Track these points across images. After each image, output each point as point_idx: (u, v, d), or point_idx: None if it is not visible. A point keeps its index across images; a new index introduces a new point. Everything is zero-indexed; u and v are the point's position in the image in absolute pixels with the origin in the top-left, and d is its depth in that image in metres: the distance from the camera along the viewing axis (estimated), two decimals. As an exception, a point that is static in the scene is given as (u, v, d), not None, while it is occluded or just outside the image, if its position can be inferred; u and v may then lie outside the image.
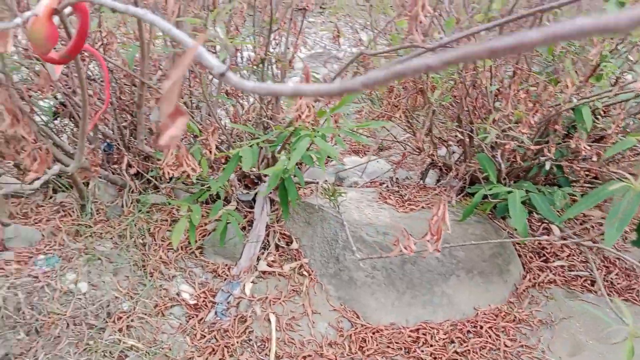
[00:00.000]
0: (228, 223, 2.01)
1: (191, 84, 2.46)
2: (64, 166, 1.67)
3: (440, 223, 1.20)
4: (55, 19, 0.90)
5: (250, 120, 2.40)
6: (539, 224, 2.53)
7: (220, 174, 2.04)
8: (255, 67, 2.05)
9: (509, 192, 1.97)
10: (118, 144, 2.36)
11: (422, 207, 2.33)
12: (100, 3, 0.63)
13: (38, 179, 1.42)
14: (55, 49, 0.84)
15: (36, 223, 2.14)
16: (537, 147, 1.91)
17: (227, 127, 2.31)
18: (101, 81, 2.43)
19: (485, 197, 2.09)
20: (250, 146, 1.86)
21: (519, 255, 2.30)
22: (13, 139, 1.39)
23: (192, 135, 2.37)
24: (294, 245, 2.14)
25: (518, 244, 2.32)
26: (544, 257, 2.34)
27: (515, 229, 2.33)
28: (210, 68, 0.39)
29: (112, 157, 2.45)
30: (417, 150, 2.44)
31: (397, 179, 2.64)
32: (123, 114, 2.40)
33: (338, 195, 2.01)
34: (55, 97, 2.37)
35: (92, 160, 2.08)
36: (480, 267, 2.05)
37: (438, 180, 2.69)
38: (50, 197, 2.37)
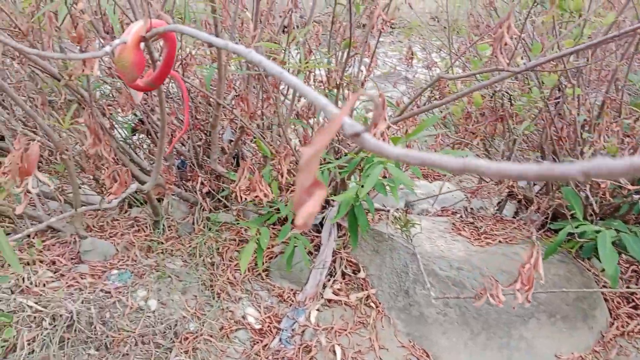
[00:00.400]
0: (295, 247, 1.98)
1: (264, 105, 2.47)
2: (140, 184, 1.70)
3: (532, 271, 1.10)
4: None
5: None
6: (627, 265, 2.32)
7: (290, 198, 2.01)
8: (328, 90, 2.02)
9: (598, 232, 1.81)
10: (192, 162, 2.40)
11: (499, 242, 2.20)
12: (190, 34, 0.60)
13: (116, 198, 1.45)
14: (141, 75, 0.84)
15: (111, 237, 2.20)
16: (636, 187, 1.73)
17: (298, 150, 2.29)
18: (178, 99, 2.49)
19: (569, 234, 1.93)
20: (321, 171, 1.82)
21: (606, 300, 2.11)
22: (94, 156, 1.43)
23: (262, 156, 2.36)
24: (361, 274, 2.07)
25: (605, 286, 2.13)
26: (634, 303, 2.13)
27: (602, 270, 2.14)
28: (343, 128, 0.34)
29: (185, 174, 2.50)
30: (498, 182, 2.31)
31: (471, 209, 2.52)
32: (198, 132, 2.44)
33: (410, 226, 1.93)
34: (135, 114, 2.46)
35: (166, 178, 2.12)
36: (563, 311, 1.89)
37: (516, 213, 2.54)
38: (126, 212, 2.44)
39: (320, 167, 1.84)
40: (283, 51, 1.89)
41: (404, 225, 1.90)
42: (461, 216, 2.45)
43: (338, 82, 1.71)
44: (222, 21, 2.01)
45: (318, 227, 2.27)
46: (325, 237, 2.14)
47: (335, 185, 2.25)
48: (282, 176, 1.66)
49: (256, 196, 1.46)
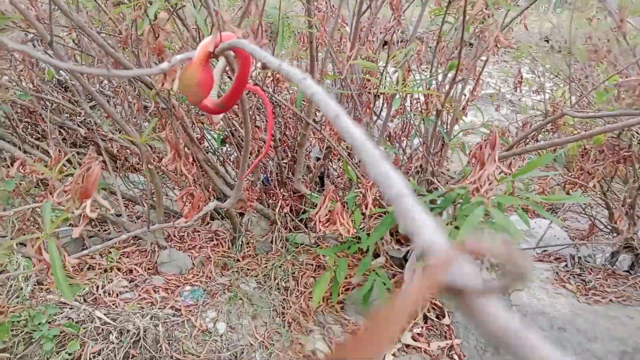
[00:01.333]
0: (374, 283, 1.81)
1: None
2: (222, 201, 1.63)
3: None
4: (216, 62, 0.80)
5: (411, 172, 2.19)
6: None
7: (373, 229, 1.85)
8: (425, 117, 1.85)
9: None
10: (276, 178, 2.32)
11: (610, 301, 1.89)
12: (248, 50, 0.48)
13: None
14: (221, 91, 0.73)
15: (190, 249, 2.17)
16: None
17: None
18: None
19: None
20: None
21: None
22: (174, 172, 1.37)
23: (347, 179, 2.23)
24: (446, 321, 1.86)
25: None
26: None
27: None
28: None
29: (268, 190, 2.43)
30: (612, 229, 2.00)
31: (579, 257, 2.21)
32: (285, 149, 2.36)
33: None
34: (228, 125, 2.43)
35: (249, 195, 2.05)
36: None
37: (632, 267, 2.19)
38: (207, 224, 2.41)
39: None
40: (380, 71, 1.75)
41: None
42: (567, 265, 2.16)
43: (439, 109, 1.53)
44: (319, 36, 1.91)
45: (401, 262, 2.09)
46: (409, 276, 1.95)
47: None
48: (366, 207, 1.51)
49: (336, 230, 1.32)
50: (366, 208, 1.54)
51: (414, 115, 2.01)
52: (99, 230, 2.16)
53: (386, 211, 1.64)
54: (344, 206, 1.37)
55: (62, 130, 2.73)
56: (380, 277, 1.86)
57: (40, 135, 2.50)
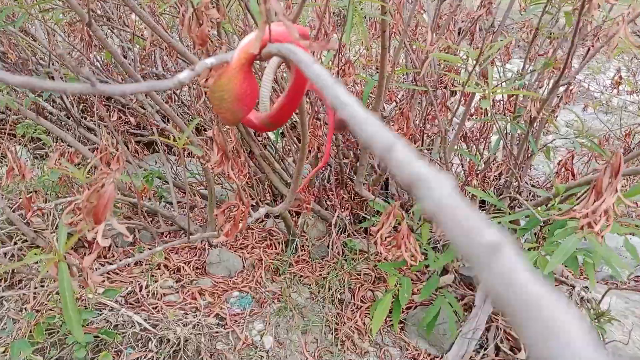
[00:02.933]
0: (440, 307, 1.61)
1: (426, 125, 2.12)
2: (271, 207, 1.47)
3: None
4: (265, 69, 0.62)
5: (489, 180, 1.94)
6: None
7: (443, 245, 1.64)
8: (513, 122, 1.59)
9: None
10: (337, 179, 2.14)
11: None
12: (288, 55, 0.30)
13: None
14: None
15: (241, 249, 2.03)
16: None
17: (465, 184, 1.89)
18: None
19: None
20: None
21: None
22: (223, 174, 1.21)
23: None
24: (521, 356, 1.63)
25: None
26: None
27: None
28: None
29: (327, 191, 2.25)
30: None
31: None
32: (347, 147, 2.17)
33: (605, 322, 1.42)
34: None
35: (305, 195, 1.89)
36: None
37: None
38: (262, 221, 2.27)
39: (492, 217, 1.44)
40: (463, 66, 1.52)
41: (598, 316, 1.41)
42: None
43: (534, 115, 1.29)
44: (393, 24, 1.69)
45: (472, 280, 1.86)
46: (480, 299, 1.73)
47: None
48: (439, 225, 1.30)
49: (400, 256, 1.13)
50: (438, 227, 1.33)
51: (498, 117, 1.76)
52: (150, 222, 2.07)
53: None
54: (410, 232, 1.17)
55: (122, 115, 2.67)
56: (447, 297, 1.65)
57: (98, 119, 2.44)
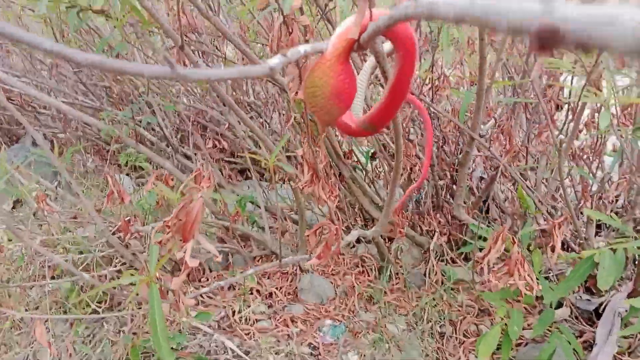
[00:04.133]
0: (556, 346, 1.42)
1: (530, 142, 1.95)
2: (363, 230, 1.39)
3: None
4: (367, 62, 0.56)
5: (606, 203, 1.73)
6: None
7: (559, 274, 1.47)
8: (635, 133, 1.40)
9: None
10: (432, 201, 2.02)
11: None
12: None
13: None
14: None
15: (333, 275, 1.97)
16: None
17: (581, 214, 1.70)
18: (423, 128, 2.15)
19: None
20: (613, 250, 1.24)
21: None
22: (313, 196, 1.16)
23: (523, 209, 1.84)
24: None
25: None
26: None
27: None
28: None
29: (422, 214, 2.13)
30: None
31: None
32: (443, 168, 2.05)
33: None
34: (377, 139, 2.19)
35: (399, 219, 1.79)
36: None
37: None
38: (353, 247, 2.20)
39: (614, 243, 1.26)
40: (572, 72, 1.37)
41: None
42: None
43: None
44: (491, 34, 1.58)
45: (591, 315, 1.65)
46: (603, 335, 1.52)
47: (632, 270, 1.60)
48: (552, 250, 1.15)
49: (512, 284, 1.00)
50: (552, 252, 1.18)
51: (617, 130, 1.57)
52: (243, 246, 2.07)
53: (579, 257, 1.26)
54: (523, 257, 1.04)
55: (216, 142, 2.74)
56: (564, 334, 1.46)
57: (194, 147, 2.52)
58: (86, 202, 1.55)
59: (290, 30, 0.75)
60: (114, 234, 1.53)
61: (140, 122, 1.91)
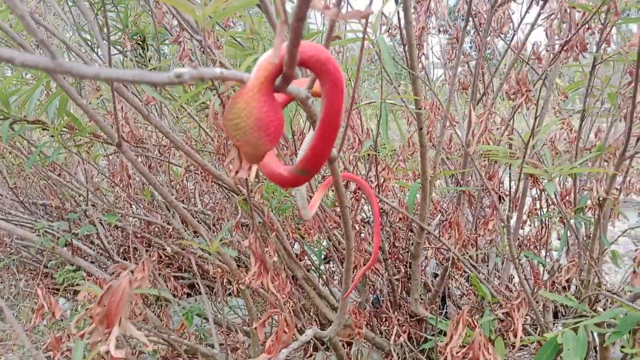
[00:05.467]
0: None
1: (478, 231, 1.97)
2: (319, 330, 1.31)
3: None
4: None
5: (562, 285, 1.73)
6: None
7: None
8: (576, 215, 1.44)
9: None
10: (388, 299, 1.96)
11: None
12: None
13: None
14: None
15: (289, 388, 1.81)
16: None
17: (533, 296, 1.68)
18: (373, 224, 2.14)
19: None
20: (574, 329, 1.20)
21: None
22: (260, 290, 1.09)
23: (479, 298, 1.80)
24: None
25: None
26: None
27: None
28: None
29: (380, 314, 2.05)
30: None
31: None
32: (396, 263, 2.02)
33: None
34: (329, 238, 2.16)
35: (356, 319, 1.71)
36: None
37: None
38: (310, 355, 2.06)
39: (574, 322, 1.22)
40: (512, 157, 1.42)
41: None
42: None
43: (604, 197, 1.15)
44: (429, 128, 1.65)
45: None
46: None
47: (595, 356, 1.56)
48: (515, 335, 1.10)
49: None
50: (515, 336, 1.13)
51: (557, 212, 1.61)
52: (189, 365, 1.89)
53: (543, 339, 1.21)
54: (486, 338, 0.98)
55: (162, 256, 2.63)
56: None
57: (136, 260, 2.40)
58: (15, 324, 1.40)
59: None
60: (45, 352, 1.37)
61: (77, 234, 1.81)
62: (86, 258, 2.11)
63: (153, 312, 1.90)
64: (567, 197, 2.07)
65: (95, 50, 1.88)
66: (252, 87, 0.37)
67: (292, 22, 0.29)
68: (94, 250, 2.12)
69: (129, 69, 0.26)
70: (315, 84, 0.44)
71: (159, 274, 2.40)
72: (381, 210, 1.87)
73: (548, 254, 2.12)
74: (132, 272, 0.55)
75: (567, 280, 1.90)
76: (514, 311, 1.14)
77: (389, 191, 1.78)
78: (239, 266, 2.39)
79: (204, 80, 0.32)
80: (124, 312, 0.53)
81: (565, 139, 2.07)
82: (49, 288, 2.68)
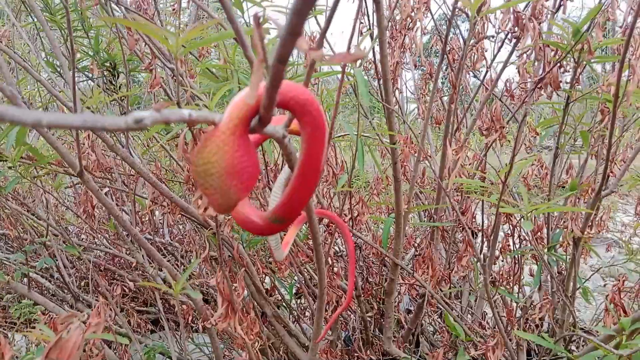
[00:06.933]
0: None
1: (452, 268, 1.94)
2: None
3: None
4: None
5: (535, 323, 1.71)
6: None
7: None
8: (549, 251, 1.43)
9: None
10: (360, 337, 1.90)
11: None
12: None
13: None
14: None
15: None
16: None
17: (507, 334, 1.66)
18: (346, 257, 2.10)
19: None
20: (553, 369, 1.18)
21: None
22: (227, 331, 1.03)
23: (452, 337, 1.77)
24: None
25: None
26: None
27: None
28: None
29: (352, 353, 1.99)
30: None
31: None
32: (369, 299, 1.97)
33: None
34: (300, 272, 2.10)
35: (327, 359, 1.65)
36: None
37: None
38: (279, 397, 1.97)
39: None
40: (487, 191, 1.41)
41: None
42: None
43: (579, 235, 1.14)
44: (402, 163, 1.64)
45: None
46: None
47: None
48: (491, 376, 1.07)
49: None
50: (491, 378, 1.09)
51: (529, 248, 1.61)
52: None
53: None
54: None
55: (125, 288, 2.52)
56: None
57: (96, 294, 2.29)
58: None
59: (198, 142, 0.70)
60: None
61: (35, 267, 1.71)
62: (45, 293, 2.00)
63: (113, 349, 1.80)
64: (540, 233, 2.08)
65: (64, 76, 1.82)
66: (225, 130, 0.33)
67: (273, 63, 0.26)
68: (53, 283, 2.02)
69: (78, 114, 0.22)
70: (294, 121, 0.41)
71: (122, 310, 2.30)
72: (355, 245, 1.84)
73: (520, 290, 2.11)
74: (84, 321, 0.50)
75: (540, 318, 1.89)
76: (490, 352, 1.11)
77: (362, 224, 1.75)
78: (206, 301, 2.31)
79: (168, 124, 0.28)
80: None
81: (536, 175, 2.09)
82: (5, 322, 2.54)
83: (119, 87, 2.04)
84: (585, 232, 1.14)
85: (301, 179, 0.37)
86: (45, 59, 2.01)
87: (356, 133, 1.12)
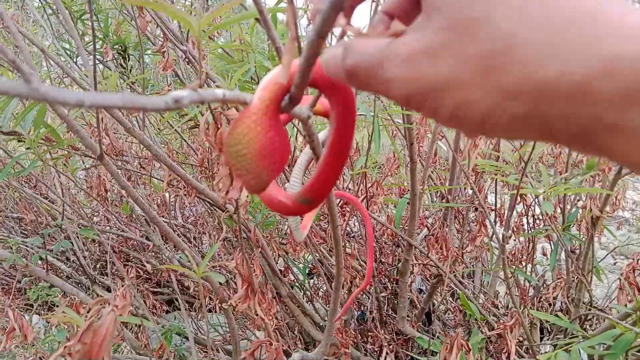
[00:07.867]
0: None
1: (464, 248, 1.94)
2: (305, 352, 1.26)
3: None
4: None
5: (545, 305, 1.71)
6: None
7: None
8: (564, 231, 1.43)
9: None
10: (374, 316, 1.92)
11: None
12: None
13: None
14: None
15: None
16: None
17: (525, 314, 1.66)
18: (361, 238, 2.11)
19: None
20: (566, 350, 1.18)
21: None
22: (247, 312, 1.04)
23: (466, 316, 1.77)
24: None
25: None
26: None
27: None
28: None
29: (366, 331, 2.00)
30: None
31: None
32: (383, 280, 1.98)
33: None
34: (317, 252, 2.10)
35: (342, 338, 1.66)
36: None
37: None
38: (294, 375, 1.99)
39: (567, 346, 1.20)
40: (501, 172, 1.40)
41: None
42: None
43: (597, 215, 1.13)
44: (419, 142, 1.62)
45: None
46: None
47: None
48: (508, 356, 1.07)
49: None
50: (508, 358, 1.10)
51: (546, 228, 1.60)
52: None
53: (536, 361, 1.18)
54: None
55: (140, 272, 2.55)
56: None
57: (113, 276, 2.32)
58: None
59: (219, 125, 0.69)
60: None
61: (52, 250, 1.73)
62: (61, 275, 2.03)
63: (131, 331, 1.83)
64: (553, 213, 2.06)
65: (75, 59, 1.82)
66: (257, 110, 0.33)
67: (311, 38, 0.25)
68: (69, 266, 2.04)
69: (118, 93, 0.22)
70: (319, 101, 0.41)
71: (137, 291, 2.33)
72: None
73: (533, 269, 2.10)
74: (115, 307, 0.51)
75: (554, 298, 1.89)
76: (508, 332, 1.11)
77: (376, 205, 1.74)
78: (220, 283, 2.33)
79: (203, 103, 0.28)
80: (106, 353, 0.48)
81: (549, 154, 2.07)
82: (23, 304, 2.58)
83: (130, 69, 2.04)
84: (604, 212, 1.13)
85: (330, 159, 0.37)
86: (51, 43, 2.00)
87: (372, 114, 1.11)
